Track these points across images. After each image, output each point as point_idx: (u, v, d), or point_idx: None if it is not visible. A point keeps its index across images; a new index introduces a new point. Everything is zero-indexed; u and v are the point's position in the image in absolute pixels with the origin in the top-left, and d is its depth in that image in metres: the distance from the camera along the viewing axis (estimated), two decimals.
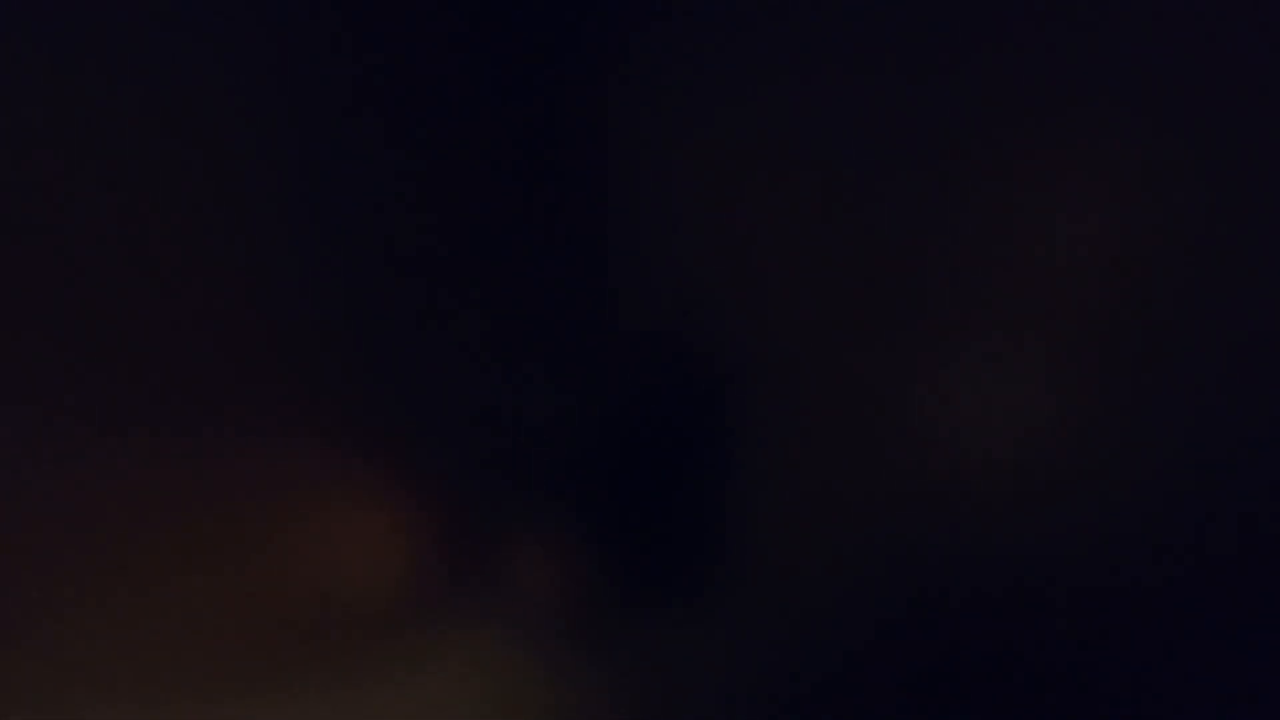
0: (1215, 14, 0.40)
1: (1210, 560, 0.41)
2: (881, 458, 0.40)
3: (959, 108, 0.40)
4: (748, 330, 0.40)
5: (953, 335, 0.40)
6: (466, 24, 0.39)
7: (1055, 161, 0.40)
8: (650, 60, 0.39)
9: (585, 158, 0.39)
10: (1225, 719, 0.42)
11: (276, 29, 0.39)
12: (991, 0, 0.39)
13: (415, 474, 0.40)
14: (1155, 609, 0.41)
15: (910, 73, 0.39)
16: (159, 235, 0.39)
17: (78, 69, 0.39)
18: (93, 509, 0.40)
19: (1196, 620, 0.41)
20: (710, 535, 0.40)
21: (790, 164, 0.40)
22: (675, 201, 0.40)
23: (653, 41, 0.39)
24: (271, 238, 0.39)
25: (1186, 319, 0.40)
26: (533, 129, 0.39)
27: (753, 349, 0.40)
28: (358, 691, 0.40)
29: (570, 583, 0.40)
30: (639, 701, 0.41)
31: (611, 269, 0.39)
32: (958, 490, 0.40)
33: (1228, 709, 0.42)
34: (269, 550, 0.40)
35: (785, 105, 0.39)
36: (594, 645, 0.41)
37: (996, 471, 0.40)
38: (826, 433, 0.40)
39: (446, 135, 0.39)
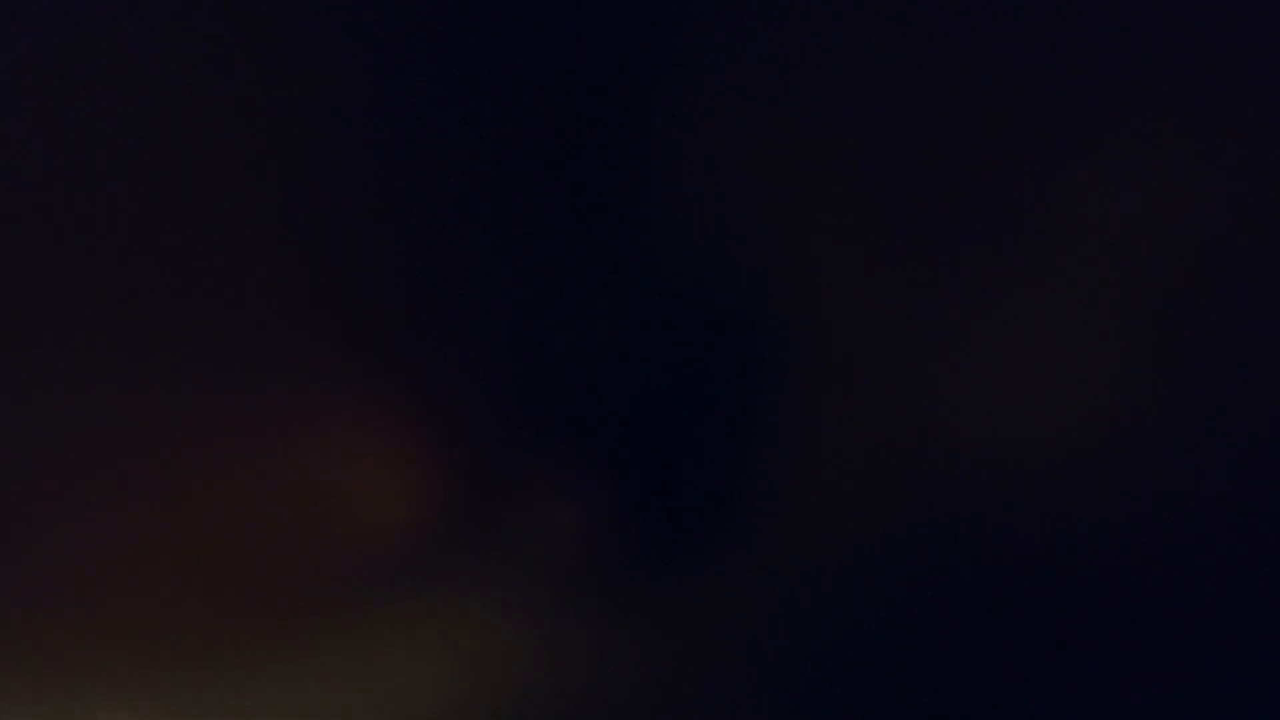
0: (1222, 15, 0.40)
1: (1222, 555, 0.41)
2: (908, 430, 0.40)
3: (978, 109, 0.40)
4: (782, 286, 0.40)
5: (976, 325, 0.40)
6: None
7: (1081, 155, 0.40)
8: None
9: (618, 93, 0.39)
10: (1228, 715, 0.42)
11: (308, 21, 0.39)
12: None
13: (428, 420, 0.39)
14: (1175, 603, 0.42)
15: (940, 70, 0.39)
16: (186, 159, 0.38)
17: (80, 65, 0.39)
18: (92, 450, 0.39)
19: (1203, 615, 0.42)
20: (730, 504, 0.40)
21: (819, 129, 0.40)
22: (714, 139, 0.39)
23: None
24: (290, 164, 0.39)
25: (1206, 315, 0.41)
26: (564, 69, 0.39)
27: (788, 308, 0.40)
28: (353, 649, 0.40)
29: (583, 543, 0.40)
30: (642, 672, 0.41)
31: (642, 211, 0.39)
32: (980, 463, 0.41)
33: (1231, 705, 0.42)
34: (275, 491, 0.40)
35: (812, 95, 0.39)
36: (600, 611, 0.41)
37: (1028, 453, 0.40)
38: (856, 398, 0.40)
39: (484, 68, 0.39)
